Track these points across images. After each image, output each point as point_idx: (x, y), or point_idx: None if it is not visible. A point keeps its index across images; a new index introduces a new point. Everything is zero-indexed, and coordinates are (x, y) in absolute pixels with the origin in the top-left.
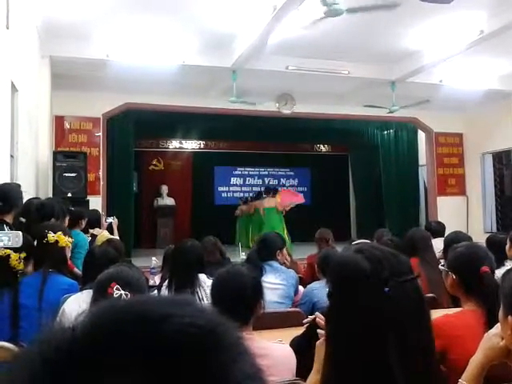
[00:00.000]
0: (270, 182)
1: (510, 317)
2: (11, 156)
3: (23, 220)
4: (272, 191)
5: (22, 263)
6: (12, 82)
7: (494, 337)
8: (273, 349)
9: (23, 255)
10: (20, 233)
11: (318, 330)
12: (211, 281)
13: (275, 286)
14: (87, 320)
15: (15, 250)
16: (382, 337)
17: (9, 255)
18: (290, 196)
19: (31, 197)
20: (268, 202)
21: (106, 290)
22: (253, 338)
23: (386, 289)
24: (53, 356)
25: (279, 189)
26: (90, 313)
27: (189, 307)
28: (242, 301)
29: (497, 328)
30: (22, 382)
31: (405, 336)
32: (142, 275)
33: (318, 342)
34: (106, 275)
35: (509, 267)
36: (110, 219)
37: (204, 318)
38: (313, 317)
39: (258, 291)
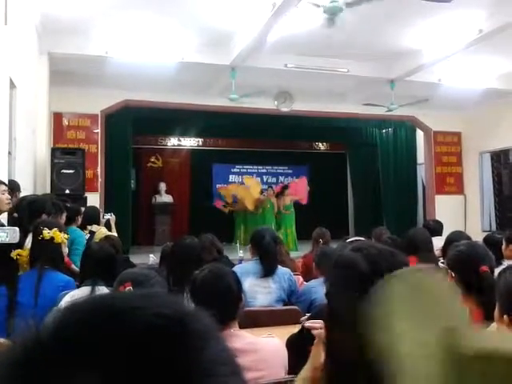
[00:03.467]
0: (269, 180)
1: (505, 316)
2: (9, 153)
3: (16, 215)
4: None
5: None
6: (10, 79)
7: None
8: (261, 343)
9: (26, 252)
10: (17, 228)
11: (313, 331)
12: None
13: (269, 289)
14: (52, 319)
15: (8, 245)
16: None
17: (18, 255)
18: (298, 191)
19: (28, 193)
20: (285, 200)
21: (118, 288)
22: (240, 335)
23: None
24: (19, 357)
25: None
26: (57, 313)
27: (156, 299)
28: (228, 300)
29: (493, 326)
30: None
31: None
32: (161, 280)
33: (315, 341)
34: (125, 275)
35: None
36: (107, 216)
37: (171, 309)
38: (305, 317)
39: (239, 287)
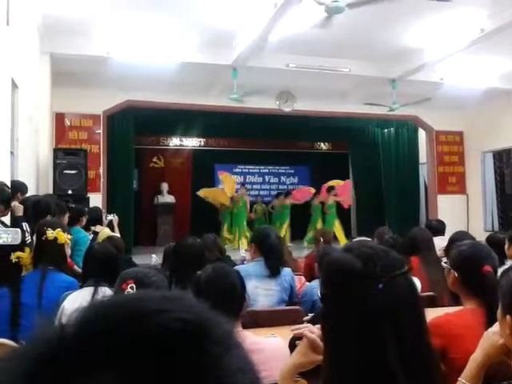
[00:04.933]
0: (271, 180)
1: (508, 316)
2: (11, 153)
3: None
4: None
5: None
6: (12, 79)
7: (493, 335)
8: (264, 343)
9: (28, 251)
10: (19, 230)
11: (304, 332)
12: None
13: (270, 292)
14: (75, 319)
15: (11, 246)
16: (379, 333)
17: (18, 258)
18: (343, 193)
19: (31, 194)
20: (328, 200)
21: (121, 286)
22: (243, 335)
23: (380, 285)
24: (41, 355)
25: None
26: (80, 311)
27: (179, 302)
28: (232, 299)
29: (496, 326)
30: (12, 380)
31: (401, 330)
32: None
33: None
34: (126, 273)
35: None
36: (110, 216)
37: (193, 313)
38: (307, 318)
39: (243, 286)
